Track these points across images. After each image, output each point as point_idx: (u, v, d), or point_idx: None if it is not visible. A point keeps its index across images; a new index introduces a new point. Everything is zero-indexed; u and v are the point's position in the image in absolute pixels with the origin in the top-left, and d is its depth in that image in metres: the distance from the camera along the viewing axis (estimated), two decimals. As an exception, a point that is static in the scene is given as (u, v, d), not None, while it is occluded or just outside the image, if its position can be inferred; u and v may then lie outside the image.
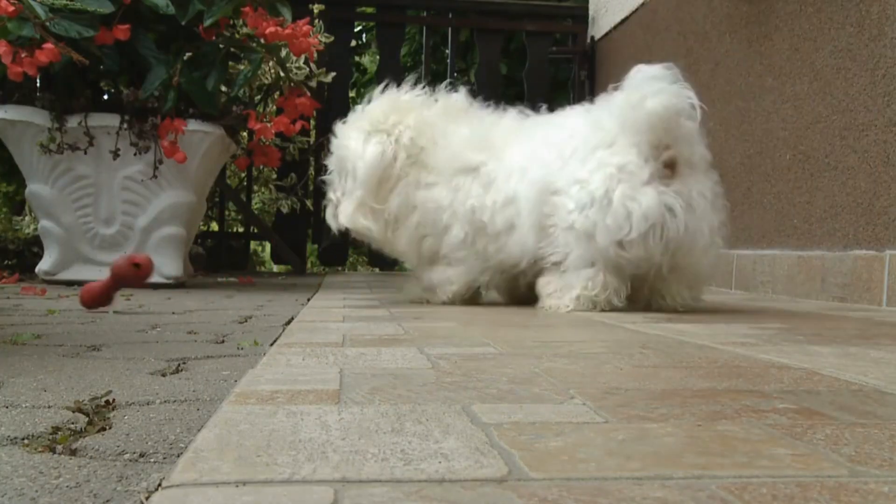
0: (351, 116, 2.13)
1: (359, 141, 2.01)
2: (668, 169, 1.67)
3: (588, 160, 1.70)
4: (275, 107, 3.33)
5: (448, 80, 2.21)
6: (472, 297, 2.07)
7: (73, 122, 2.82)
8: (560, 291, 1.77)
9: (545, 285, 1.82)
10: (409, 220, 2.01)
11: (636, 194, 1.63)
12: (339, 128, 2.11)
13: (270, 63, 3.13)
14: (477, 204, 1.90)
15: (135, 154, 2.84)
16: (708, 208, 1.70)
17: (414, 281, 2.18)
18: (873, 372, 0.99)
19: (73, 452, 0.67)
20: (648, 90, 1.67)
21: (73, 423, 0.76)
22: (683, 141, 1.70)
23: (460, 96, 2.11)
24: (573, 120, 1.88)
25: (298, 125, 3.10)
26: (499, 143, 1.94)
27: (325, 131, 3.65)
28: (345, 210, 2.02)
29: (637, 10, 4.24)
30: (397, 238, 2.05)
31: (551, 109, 2.06)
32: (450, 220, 1.96)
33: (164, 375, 1.05)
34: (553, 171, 1.78)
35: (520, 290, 2.02)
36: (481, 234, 1.92)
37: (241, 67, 3.06)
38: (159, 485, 0.56)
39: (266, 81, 3.33)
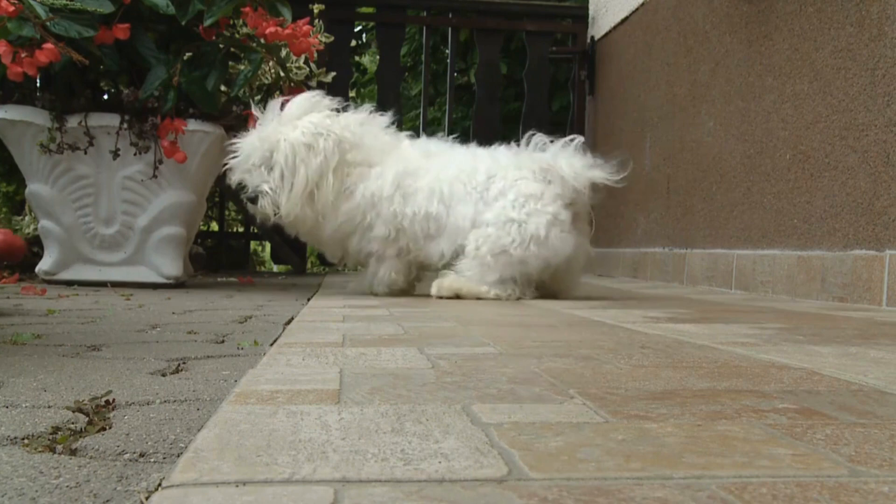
0: (276, 114, 2.38)
1: (299, 140, 2.30)
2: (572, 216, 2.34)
3: (523, 205, 2.24)
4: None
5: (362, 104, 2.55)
6: (406, 289, 2.50)
7: (73, 122, 2.82)
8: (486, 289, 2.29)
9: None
10: (333, 219, 2.37)
11: (565, 236, 2.27)
12: (274, 123, 2.36)
13: (270, 63, 3.13)
14: (398, 210, 2.33)
15: (135, 154, 2.84)
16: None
17: (360, 277, 2.59)
18: (873, 372, 0.99)
19: (73, 452, 0.67)
20: (584, 163, 2.29)
21: (73, 423, 0.76)
22: (584, 201, 2.36)
23: (384, 120, 2.49)
24: (496, 161, 2.36)
25: None
26: (421, 168, 2.37)
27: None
28: (286, 200, 2.32)
29: (637, 10, 4.24)
30: (322, 231, 2.41)
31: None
32: (373, 220, 2.36)
33: (164, 375, 1.05)
34: (475, 203, 2.30)
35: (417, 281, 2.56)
36: (402, 234, 2.36)
37: (241, 67, 3.05)
38: (159, 485, 0.56)
39: (266, 81, 3.33)
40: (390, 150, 2.41)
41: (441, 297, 2.26)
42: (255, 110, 2.48)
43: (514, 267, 2.25)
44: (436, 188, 2.32)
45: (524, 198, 2.25)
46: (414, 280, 2.54)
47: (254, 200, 2.38)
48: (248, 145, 2.38)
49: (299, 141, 2.31)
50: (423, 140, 2.53)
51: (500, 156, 2.39)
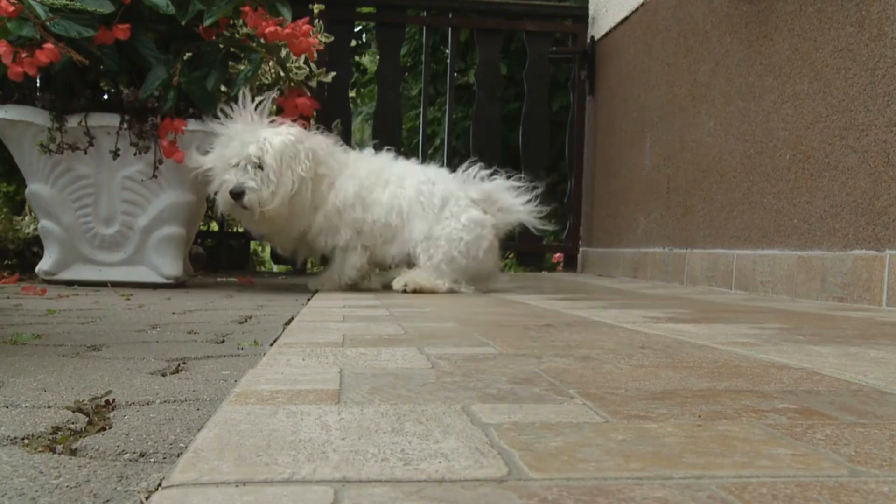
0: (244, 119, 2.66)
1: (285, 146, 2.60)
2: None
3: (472, 230, 2.74)
4: (275, 107, 3.33)
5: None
6: (359, 281, 2.86)
7: (73, 122, 2.82)
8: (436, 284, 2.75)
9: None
10: (305, 220, 2.72)
11: (492, 257, 2.85)
12: (257, 128, 2.63)
13: (270, 63, 3.13)
14: (359, 217, 2.75)
15: (135, 154, 2.84)
16: None
17: (321, 276, 2.90)
18: (873, 372, 0.99)
19: (73, 452, 0.67)
20: (519, 203, 2.85)
21: (73, 423, 0.76)
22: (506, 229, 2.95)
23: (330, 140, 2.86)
24: (445, 187, 2.82)
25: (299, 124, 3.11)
26: (378, 183, 2.80)
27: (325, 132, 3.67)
28: (272, 197, 2.59)
29: (637, 10, 4.24)
30: (291, 230, 2.75)
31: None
32: (338, 224, 2.75)
33: (164, 375, 1.05)
34: (430, 223, 2.75)
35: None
36: (363, 235, 2.77)
37: (241, 67, 3.06)
38: (159, 485, 0.56)
39: (266, 81, 3.33)
40: (346, 165, 2.82)
41: (405, 292, 2.67)
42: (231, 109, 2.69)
43: (458, 272, 2.77)
44: (395, 205, 2.77)
45: (473, 223, 2.77)
46: (368, 273, 2.92)
47: (238, 196, 2.58)
48: (227, 148, 2.61)
49: (286, 146, 2.60)
50: (368, 153, 2.95)
51: (449, 182, 2.85)
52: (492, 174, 2.87)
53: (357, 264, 2.80)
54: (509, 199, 2.86)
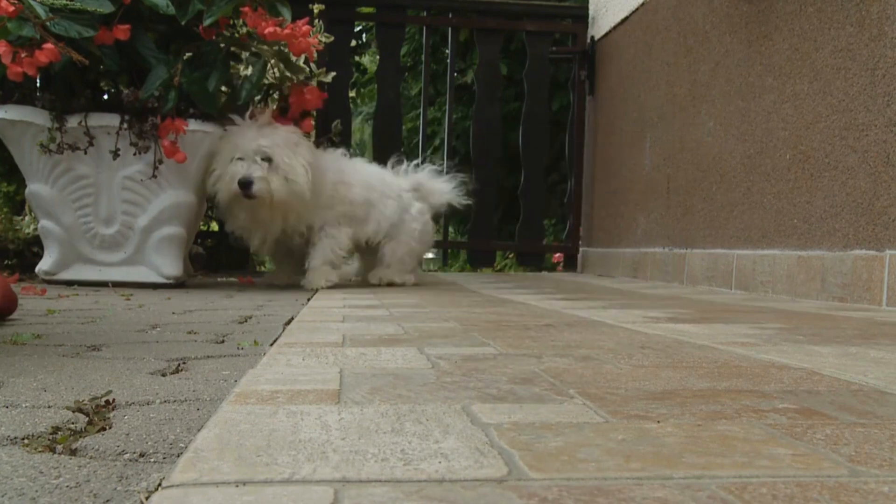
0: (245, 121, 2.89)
1: (290, 139, 2.84)
2: None
3: (420, 218, 3.22)
4: (276, 106, 3.33)
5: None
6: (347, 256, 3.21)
7: (73, 122, 2.82)
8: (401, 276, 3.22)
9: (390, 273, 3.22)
10: (305, 205, 2.92)
11: (432, 235, 3.44)
12: (261, 125, 2.84)
13: (272, 60, 3.13)
14: (344, 195, 3.02)
15: (135, 154, 2.84)
16: None
17: (312, 272, 3.00)
18: (873, 372, 0.99)
19: (73, 452, 0.67)
20: (448, 187, 3.38)
21: (73, 423, 0.76)
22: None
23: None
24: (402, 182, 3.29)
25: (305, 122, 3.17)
26: (356, 168, 3.18)
27: (325, 131, 3.69)
28: (283, 185, 2.78)
29: (637, 10, 4.24)
30: (290, 214, 2.90)
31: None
32: (326, 204, 2.99)
33: (164, 375, 1.05)
34: (395, 202, 3.18)
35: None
36: (347, 214, 3.03)
37: (241, 68, 3.06)
38: (159, 485, 0.56)
39: (267, 81, 3.33)
40: (325, 158, 3.10)
41: (380, 286, 3.10)
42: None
43: (416, 258, 3.31)
44: (369, 183, 3.11)
45: (419, 212, 3.23)
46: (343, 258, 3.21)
47: (247, 185, 2.73)
48: (234, 142, 2.79)
49: (289, 137, 2.82)
50: (331, 151, 3.25)
51: (394, 175, 3.26)
52: (417, 166, 3.32)
53: (343, 241, 3.02)
54: (437, 185, 3.31)
